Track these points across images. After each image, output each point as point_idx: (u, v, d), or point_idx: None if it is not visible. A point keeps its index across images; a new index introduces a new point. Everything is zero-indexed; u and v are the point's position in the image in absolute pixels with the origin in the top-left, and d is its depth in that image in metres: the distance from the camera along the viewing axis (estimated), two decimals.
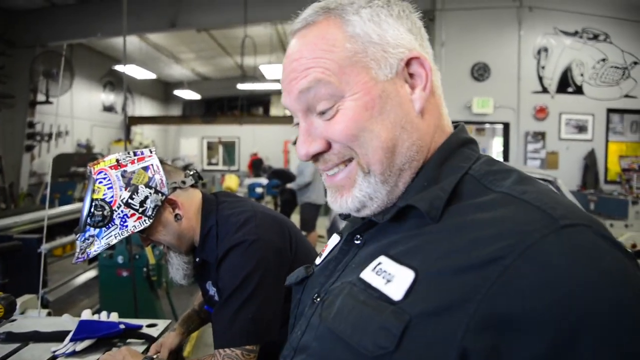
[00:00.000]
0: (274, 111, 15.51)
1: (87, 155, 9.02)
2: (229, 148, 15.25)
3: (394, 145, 0.65)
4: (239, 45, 7.77)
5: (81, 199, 7.29)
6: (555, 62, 7.14)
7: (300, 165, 6.96)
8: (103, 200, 1.25)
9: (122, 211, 1.26)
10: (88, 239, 1.27)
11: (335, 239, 0.84)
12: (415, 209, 0.62)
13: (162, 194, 1.31)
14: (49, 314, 1.67)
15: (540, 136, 7.24)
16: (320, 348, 0.61)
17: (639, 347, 0.44)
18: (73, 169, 8.08)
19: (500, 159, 8.03)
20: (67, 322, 1.46)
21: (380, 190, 0.66)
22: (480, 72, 7.05)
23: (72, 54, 8.60)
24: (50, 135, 8.56)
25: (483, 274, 0.49)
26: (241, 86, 11.58)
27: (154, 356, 1.30)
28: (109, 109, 11.38)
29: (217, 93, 14.86)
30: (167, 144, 15.23)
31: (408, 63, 0.66)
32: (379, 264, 0.60)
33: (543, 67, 7.16)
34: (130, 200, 1.26)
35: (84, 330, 1.35)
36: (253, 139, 14.19)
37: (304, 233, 6.65)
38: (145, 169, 1.31)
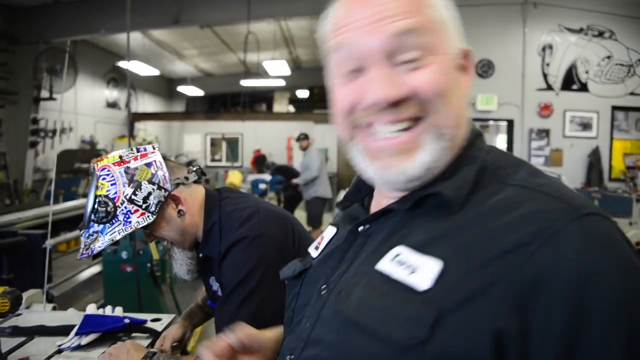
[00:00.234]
0: (277, 107, 15.50)
1: (90, 151, 9.05)
2: (232, 144, 15.26)
3: (461, 115, 0.66)
4: (242, 41, 7.77)
5: (85, 195, 7.30)
6: (560, 59, 7.11)
7: (306, 160, 6.97)
8: (106, 196, 1.26)
9: (125, 207, 1.27)
10: (92, 235, 1.28)
11: (331, 230, 0.83)
12: (434, 197, 0.62)
13: (165, 190, 1.32)
14: (54, 309, 1.68)
15: (544, 133, 7.22)
16: (338, 340, 0.60)
17: None
18: (77, 165, 8.11)
19: None
20: (72, 317, 1.47)
21: (444, 158, 0.64)
22: (484, 69, 7.03)
23: (75, 50, 8.61)
24: (54, 132, 8.59)
25: (510, 260, 0.51)
26: (244, 82, 11.58)
27: (158, 350, 1.31)
28: (112, 105, 11.40)
29: (220, 89, 14.85)
30: (170, 140, 15.25)
31: (463, 53, 0.68)
32: (398, 254, 0.60)
33: (548, 64, 7.13)
34: (133, 197, 1.27)
35: (89, 324, 1.36)
36: (256, 135, 14.19)
37: (309, 228, 6.66)
38: (148, 165, 1.32)
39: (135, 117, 12.16)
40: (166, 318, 1.56)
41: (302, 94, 15.68)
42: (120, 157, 1.31)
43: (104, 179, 1.27)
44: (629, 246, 0.53)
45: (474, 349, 0.50)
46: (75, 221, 4.23)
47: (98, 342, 1.35)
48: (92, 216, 1.26)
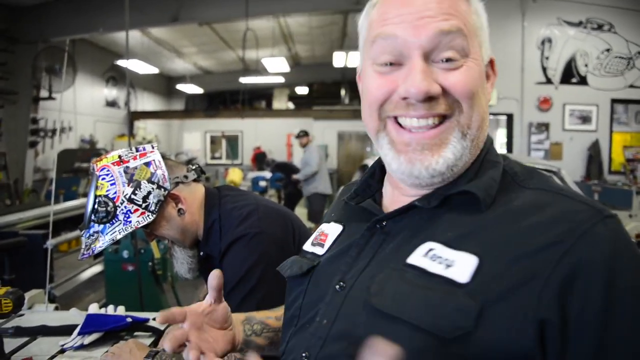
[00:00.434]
0: (277, 104, 15.48)
1: (90, 150, 9.05)
2: (232, 142, 15.25)
3: (484, 119, 0.70)
4: (241, 38, 7.75)
5: (85, 195, 7.30)
6: (559, 52, 7.10)
7: (305, 156, 6.99)
8: (106, 196, 1.26)
9: (125, 207, 1.27)
10: (93, 235, 1.28)
11: (335, 227, 0.83)
12: (463, 195, 0.65)
13: (165, 189, 1.32)
14: (56, 309, 1.69)
15: (544, 127, 7.22)
16: (370, 334, 0.59)
17: None
18: (77, 165, 8.11)
19: (504, 150, 8.02)
20: (74, 316, 1.47)
21: (465, 158, 0.68)
22: None
23: (74, 49, 8.61)
24: (53, 131, 8.59)
25: (547, 255, 0.55)
26: (243, 80, 11.56)
27: (161, 348, 1.31)
28: (111, 104, 11.39)
29: (219, 87, 14.85)
30: (170, 138, 15.24)
31: (490, 61, 0.74)
32: (431, 249, 0.62)
33: (547, 58, 7.12)
34: (133, 196, 1.27)
35: (91, 323, 1.36)
36: (256, 132, 14.19)
37: (311, 225, 6.70)
38: (148, 164, 1.32)
39: (134, 116, 12.15)
40: None
41: (302, 90, 15.67)
42: (120, 156, 1.31)
43: (103, 178, 1.28)
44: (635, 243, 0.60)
45: (517, 339, 0.53)
46: (76, 221, 4.23)
47: (101, 342, 1.35)
48: (92, 216, 1.26)
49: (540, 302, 0.53)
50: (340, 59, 9.64)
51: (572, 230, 0.56)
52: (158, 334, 1.44)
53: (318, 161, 6.79)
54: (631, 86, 7.15)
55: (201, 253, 1.44)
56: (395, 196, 0.76)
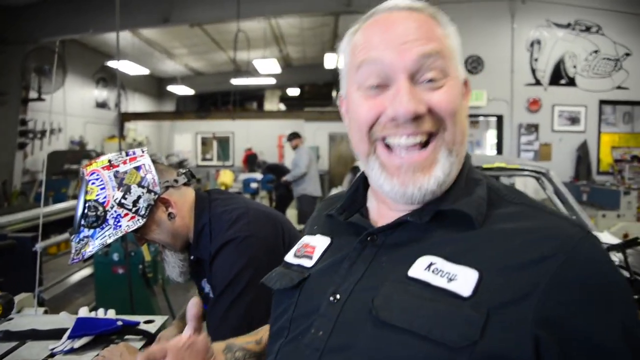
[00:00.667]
0: (268, 106, 15.47)
1: (80, 152, 8.98)
2: (223, 143, 15.20)
3: (465, 135, 0.74)
4: (232, 40, 7.75)
5: (75, 197, 7.25)
6: (548, 54, 7.17)
7: (295, 158, 7.01)
8: (96, 201, 1.26)
9: (115, 211, 1.27)
10: (83, 240, 1.28)
11: (322, 239, 0.84)
12: (456, 213, 0.69)
13: (155, 193, 1.32)
14: (45, 312, 1.68)
15: (533, 128, 7.29)
16: (374, 345, 0.63)
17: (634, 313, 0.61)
18: (67, 167, 8.04)
19: (494, 151, 8.07)
20: (64, 320, 1.46)
21: (452, 174, 0.72)
22: (473, 65, 7.07)
23: (64, 50, 8.54)
24: (43, 133, 8.51)
25: (542, 268, 0.60)
26: (235, 81, 11.54)
27: None
28: (102, 105, 11.32)
29: (210, 88, 14.79)
30: (161, 140, 15.17)
31: (465, 81, 0.78)
32: (432, 263, 0.66)
33: (536, 60, 7.19)
34: (123, 200, 1.27)
35: (81, 327, 1.36)
36: (247, 134, 14.15)
37: (301, 227, 6.73)
38: (138, 168, 1.32)
39: (125, 117, 12.07)
40: (159, 319, 1.56)
41: (293, 92, 15.66)
42: (109, 161, 1.31)
43: (93, 183, 1.27)
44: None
45: (517, 349, 0.57)
46: (65, 223, 4.20)
47: (91, 345, 1.35)
48: (82, 221, 1.26)
49: (535, 317, 0.57)
50: (331, 61, 9.65)
51: (561, 246, 0.61)
52: (149, 338, 1.44)
53: (307, 163, 6.81)
54: (619, 87, 7.24)
55: (192, 257, 1.44)
56: (382, 210, 0.79)
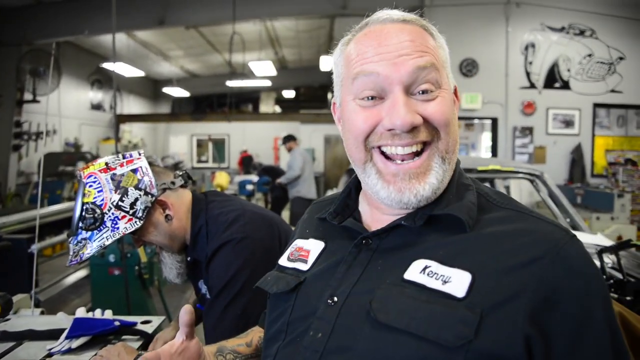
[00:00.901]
0: (264, 108, 15.48)
1: (75, 154, 8.95)
2: (219, 145, 15.19)
3: (457, 142, 0.77)
4: (228, 42, 7.75)
5: (70, 198, 7.24)
6: (543, 57, 7.21)
7: (289, 160, 7.02)
8: (94, 203, 1.27)
9: (112, 214, 1.28)
10: (81, 242, 1.29)
11: (316, 243, 0.86)
12: (449, 217, 0.72)
13: (152, 195, 1.33)
14: (42, 313, 1.68)
15: (528, 131, 7.32)
16: (373, 347, 0.65)
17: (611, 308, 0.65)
18: (61, 168, 8.02)
19: (489, 154, 8.10)
20: (61, 320, 1.47)
21: (445, 180, 0.74)
22: (468, 68, 7.10)
23: (59, 51, 8.52)
24: (37, 135, 8.47)
25: (530, 270, 0.63)
26: (230, 83, 11.55)
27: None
28: (97, 107, 11.29)
29: (206, 90, 14.78)
30: (156, 142, 15.14)
31: (454, 89, 0.80)
32: (427, 267, 0.68)
33: (530, 63, 7.23)
34: (120, 203, 1.28)
35: (79, 327, 1.37)
36: (243, 136, 14.16)
37: (294, 228, 6.73)
38: (134, 171, 1.33)
39: (120, 119, 12.03)
40: (156, 320, 1.57)
41: (288, 94, 15.67)
42: (107, 164, 1.32)
43: (90, 186, 1.28)
44: None
45: (509, 348, 0.59)
46: (60, 225, 4.19)
47: (88, 345, 1.35)
48: (80, 223, 1.27)
49: (525, 316, 0.60)
50: (327, 63, 9.67)
51: (551, 248, 0.64)
52: (146, 338, 1.44)
53: (301, 165, 6.83)
54: (612, 91, 7.28)
55: (189, 258, 1.45)
56: (375, 214, 0.81)
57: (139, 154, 1.38)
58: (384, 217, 0.78)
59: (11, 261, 2.90)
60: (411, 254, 0.71)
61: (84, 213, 1.27)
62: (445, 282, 0.65)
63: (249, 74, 11.01)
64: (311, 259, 0.83)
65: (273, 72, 10.37)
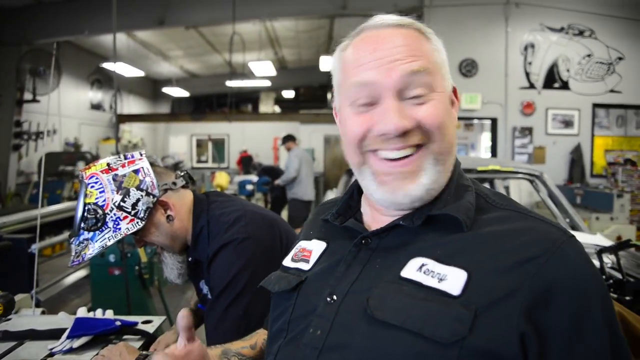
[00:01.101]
0: (263, 108, 15.47)
1: (75, 154, 8.95)
2: (219, 145, 15.19)
3: (453, 145, 0.77)
4: (228, 42, 7.75)
5: (70, 198, 7.24)
6: (542, 58, 7.22)
7: (287, 161, 7.02)
8: (95, 204, 1.27)
9: (114, 214, 1.28)
10: (83, 243, 1.29)
11: (318, 244, 0.87)
12: (446, 217, 0.72)
13: (154, 196, 1.34)
14: (43, 313, 1.68)
15: (527, 131, 7.33)
16: (370, 344, 0.66)
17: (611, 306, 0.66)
18: (61, 168, 8.02)
19: (489, 154, 8.11)
20: (63, 320, 1.47)
21: (440, 181, 0.75)
22: (468, 68, 7.11)
23: (59, 51, 8.52)
24: (37, 134, 8.48)
25: (527, 269, 0.64)
26: (230, 83, 11.54)
27: (151, 352, 1.32)
28: (96, 107, 11.28)
29: (206, 90, 14.78)
30: (156, 142, 15.13)
31: (453, 89, 0.81)
32: (423, 265, 0.69)
33: (530, 63, 7.23)
34: (122, 203, 1.29)
35: (80, 327, 1.37)
36: (242, 136, 14.16)
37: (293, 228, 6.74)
38: (136, 172, 1.33)
39: (120, 119, 12.03)
40: (157, 320, 1.57)
41: (288, 94, 15.68)
42: (108, 164, 1.32)
43: (92, 186, 1.29)
44: None
45: (503, 345, 0.60)
46: (60, 225, 4.19)
47: (90, 345, 1.36)
48: (82, 224, 1.27)
49: (521, 314, 0.61)
50: (326, 63, 9.67)
51: (548, 248, 0.65)
52: (147, 338, 1.45)
53: (297, 167, 6.81)
54: (612, 91, 7.29)
55: (190, 258, 1.45)
56: (375, 215, 0.83)
57: (141, 155, 1.38)
58: (384, 218, 0.80)
59: (11, 261, 2.91)
60: (409, 253, 0.72)
61: (86, 214, 1.27)
62: (441, 280, 0.66)
63: (249, 74, 11.01)
64: (313, 259, 0.85)
65: (273, 72, 10.37)
